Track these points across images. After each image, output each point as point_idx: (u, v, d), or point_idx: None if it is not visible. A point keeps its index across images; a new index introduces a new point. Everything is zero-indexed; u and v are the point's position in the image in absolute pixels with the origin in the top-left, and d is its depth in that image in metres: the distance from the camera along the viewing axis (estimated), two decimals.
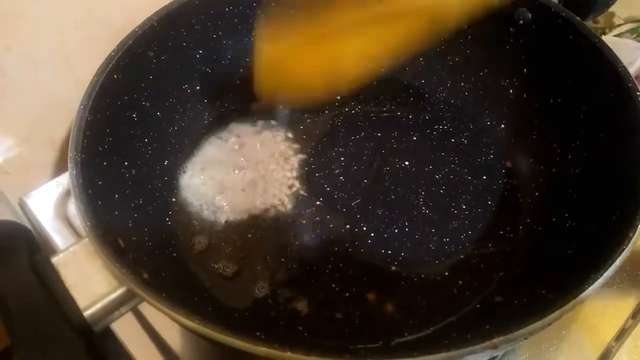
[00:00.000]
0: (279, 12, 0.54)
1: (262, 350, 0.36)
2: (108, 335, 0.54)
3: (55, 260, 0.43)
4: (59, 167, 0.72)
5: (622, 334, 0.58)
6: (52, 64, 0.66)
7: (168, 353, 0.57)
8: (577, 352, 0.57)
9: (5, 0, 0.58)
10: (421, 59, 0.74)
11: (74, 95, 0.53)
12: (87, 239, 0.44)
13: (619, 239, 0.42)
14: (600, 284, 0.40)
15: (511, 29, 0.65)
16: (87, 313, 0.41)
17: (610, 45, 0.56)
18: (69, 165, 0.48)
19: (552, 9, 0.61)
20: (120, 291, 0.42)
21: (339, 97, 0.73)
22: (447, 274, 0.57)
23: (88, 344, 0.40)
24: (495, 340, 0.36)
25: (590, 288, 0.39)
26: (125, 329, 0.57)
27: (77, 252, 0.44)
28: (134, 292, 0.41)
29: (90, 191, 0.47)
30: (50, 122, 0.68)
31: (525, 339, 0.38)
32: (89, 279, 0.43)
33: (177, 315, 0.39)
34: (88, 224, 0.44)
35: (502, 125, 0.69)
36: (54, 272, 0.42)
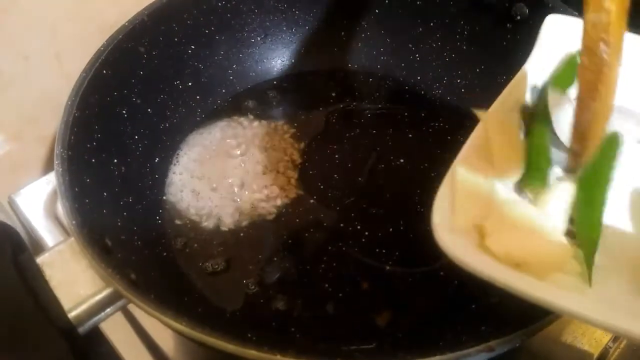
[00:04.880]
0: None
1: (251, 353, 0.35)
2: (96, 336, 0.53)
3: (40, 259, 0.42)
4: (49, 165, 0.72)
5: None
6: (43, 59, 0.65)
7: (159, 354, 0.56)
8: (574, 354, 0.56)
9: None
10: (417, 55, 0.73)
11: (65, 91, 0.53)
12: (73, 238, 0.43)
13: None
14: None
15: (508, 24, 0.65)
16: (71, 314, 0.40)
17: None
18: (55, 162, 0.47)
19: (550, 5, 0.60)
20: (106, 292, 0.42)
21: (333, 94, 0.72)
22: (442, 273, 0.56)
23: (72, 346, 0.39)
24: (491, 343, 0.35)
25: None
26: (115, 330, 0.56)
27: (62, 252, 0.43)
28: (121, 293, 0.40)
29: (77, 189, 0.47)
30: (41, 118, 0.68)
31: (522, 340, 0.37)
32: (74, 279, 0.42)
33: (164, 317, 0.38)
34: (74, 222, 0.43)
35: None
36: (38, 272, 0.42)
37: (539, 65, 0.46)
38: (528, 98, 0.45)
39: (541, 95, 0.43)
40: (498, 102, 0.42)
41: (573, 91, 0.42)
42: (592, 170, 0.37)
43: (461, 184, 0.37)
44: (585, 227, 0.36)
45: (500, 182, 0.38)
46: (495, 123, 0.41)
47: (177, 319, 0.37)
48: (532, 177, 0.39)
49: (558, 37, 0.47)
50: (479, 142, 0.40)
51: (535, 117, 0.42)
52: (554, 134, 0.41)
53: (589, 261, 0.35)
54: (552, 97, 0.41)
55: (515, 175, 0.40)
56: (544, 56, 0.47)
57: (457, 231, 0.35)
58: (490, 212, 0.36)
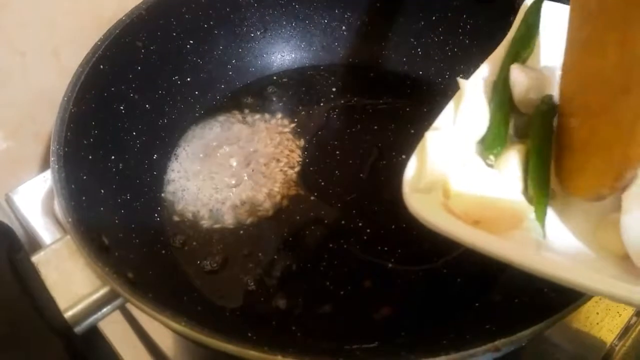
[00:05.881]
0: None
1: (251, 354, 0.35)
2: (94, 335, 0.52)
3: (35, 258, 0.42)
4: (47, 162, 0.71)
5: (626, 332, 0.56)
6: (40, 55, 0.64)
7: (158, 353, 0.56)
8: (579, 352, 0.56)
9: None
10: (419, 49, 0.72)
11: (63, 87, 0.52)
12: (69, 236, 0.42)
13: None
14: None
15: (511, 18, 0.63)
16: (67, 314, 0.40)
17: None
18: (51, 159, 0.46)
19: None
20: (103, 291, 0.41)
21: (334, 89, 0.72)
22: (445, 271, 0.55)
23: (68, 346, 0.38)
24: (497, 343, 0.34)
25: None
26: (113, 329, 0.55)
27: (58, 250, 0.43)
28: (118, 292, 0.39)
29: (73, 186, 0.46)
30: (38, 115, 0.67)
31: (528, 340, 0.36)
32: (70, 279, 0.41)
33: (163, 317, 0.37)
34: (70, 220, 0.42)
35: None
36: (33, 271, 0.41)
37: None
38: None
39: (502, 66, 0.47)
40: (476, 73, 0.47)
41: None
42: (538, 132, 0.42)
43: (430, 149, 0.40)
44: (536, 181, 0.39)
45: (462, 145, 0.42)
46: (469, 92, 0.45)
47: (176, 318, 0.37)
48: (491, 140, 0.42)
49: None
50: (451, 111, 0.45)
51: (497, 87, 0.46)
52: (513, 102, 0.45)
53: (541, 213, 0.38)
54: (513, 68, 0.45)
55: (474, 137, 0.43)
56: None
57: (424, 192, 0.39)
58: (453, 174, 0.39)
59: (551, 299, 0.40)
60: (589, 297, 0.38)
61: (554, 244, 0.37)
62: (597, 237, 0.37)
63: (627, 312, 0.58)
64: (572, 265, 0.35)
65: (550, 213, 0.39)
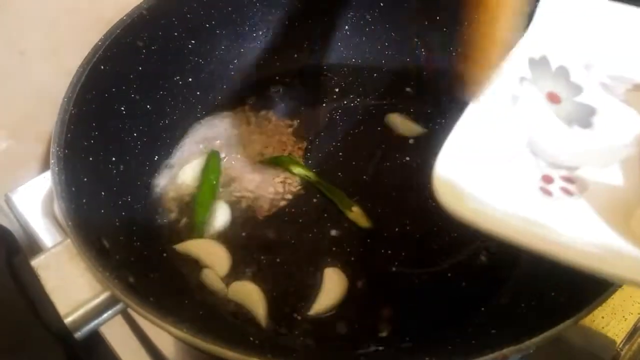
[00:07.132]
0: None
1: None
2: (94, 339, 0.52)
3: (35, 262, 0.41)
4: (47, 162, 0.70)
5: (632, 335, 0.56)
6: (41, 55, 0.64)
7: (159, 358, 0.55)
8: (586, 355, 0.55)
9: None
10: (423, 49, 0.71)
11: (63, 87, 0.51)
12: (69, 240, 0.41)
13: None
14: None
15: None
16: (67, 320, 0.39)
17: None
18: (51, 161, 0.46)
19: None
20: (104, 296, 0.40)
21: (337, 90, 0.71)
22: (449, 274, 0.54)
23: (68, 352, 0.37)
24: (505, 351, 0.34)
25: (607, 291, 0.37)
26: (114, 333, 0.55)
27: (58, 254, 0.42)
28: (118, 297, 0.39)
29: (73, 188, 0.45)
30: (38, 115, 0.66)
31: (537, 348, 0.36)
32: (71, 283, 0.40)
33: (164, 323, 0.36)
34: (70, 223, 0.42)
35: None
36: (33, 275, 0.40)
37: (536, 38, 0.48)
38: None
39: None
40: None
41: None
42: None
43: None
44: None
45: None
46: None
47: (177, 325, 0.36)
48: None
49: (554, 13, 0.49)
50: None
51: None
52: None
53: None
54: None
55: None
56: (541, 30, 0.48)
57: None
58: None
59: (560, 303, 0.39)
60: (602, 301, 0.37)
61: (586, 234, 0.36)
62: (630, 227, 0.36)
63: (633, 316, 0.57)
64: (604, 255, 0.34)
65: (582, 203, 0.38)
